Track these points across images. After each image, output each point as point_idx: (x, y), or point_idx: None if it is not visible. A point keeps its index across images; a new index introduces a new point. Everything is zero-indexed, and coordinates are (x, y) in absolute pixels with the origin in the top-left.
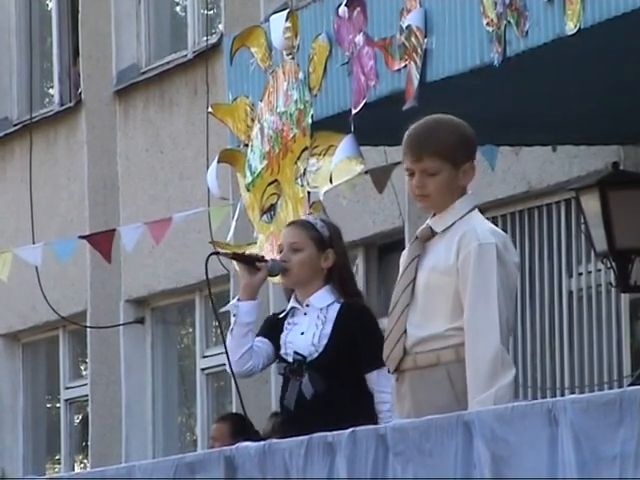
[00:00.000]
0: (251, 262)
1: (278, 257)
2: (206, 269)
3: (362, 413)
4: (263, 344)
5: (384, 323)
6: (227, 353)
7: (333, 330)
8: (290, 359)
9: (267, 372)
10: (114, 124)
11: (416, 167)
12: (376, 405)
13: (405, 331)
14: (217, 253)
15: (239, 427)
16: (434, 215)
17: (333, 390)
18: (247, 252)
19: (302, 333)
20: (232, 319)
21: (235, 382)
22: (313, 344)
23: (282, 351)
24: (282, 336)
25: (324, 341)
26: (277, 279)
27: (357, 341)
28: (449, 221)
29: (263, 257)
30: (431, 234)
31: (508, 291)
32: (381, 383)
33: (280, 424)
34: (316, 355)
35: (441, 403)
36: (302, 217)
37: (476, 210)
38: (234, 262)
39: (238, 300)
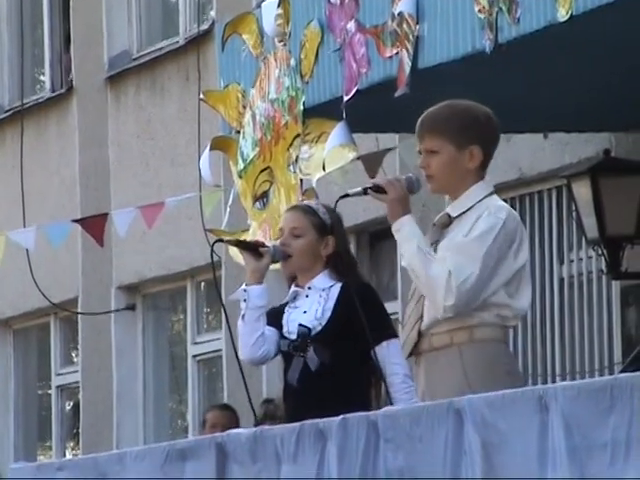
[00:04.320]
0: (254, 248)
1: (277, 242)
2: (212, 256)
3: (365, 389)
4: (271, 332)
5: None
6: (238, 340)
7: (336, 305)
8: (293, 337)
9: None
10: (105, 110)
11: (421, 147)
12: (388, 378)
13: (422, 316)
14: (221, 240)
15: (234, 417)
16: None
17: (338, 362)
18: (248, 239)
19: (305, 312)
20: (242, 305)
21: (241, 369)
22: (316, 318)
23: (284, 330)
24: (284, 317)
25: (327, 314)
26: (277, 266)
27: (363, 315)
28: (465, 206)
29: (264, 243)
30: (449, 221)
31: (495, 264)
32: (391, 355)
33: (289, 404)
34: (320, 329)
35: (452, 383)
36: (304, 202)
37: (494, 195)
38: (231, 247)
39: (246, 285)
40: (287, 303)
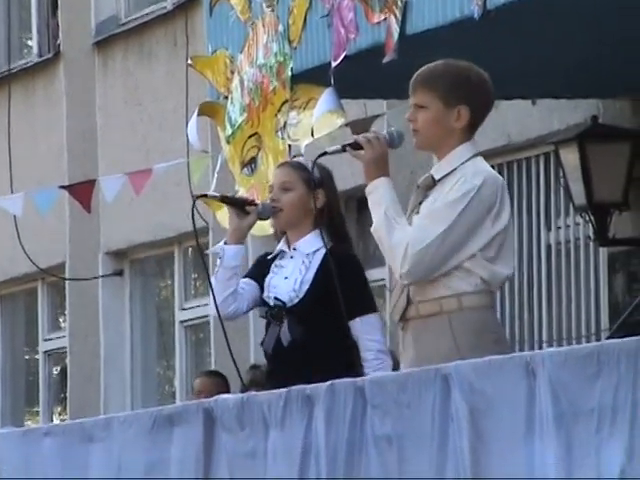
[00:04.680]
0: (240, 205)
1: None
2: (192, 214)
3: (340, 363)
4: (249, 286)
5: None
6: (213, 296)
7: (315, 276)
8: (272, 303)
9: (247, 325)
10: (93, 76)
11: (411, 100)
12: (361, 353)
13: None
14: (205, 196)
15: (224, 384)
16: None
17: (311, 338)
18: (237, 195)
19: (286, 278)
20: (217, 262)
21: (225, 336)
22: (294, 289)
23: (265, 294)
24: (267, 278)
25: (305, 287)
26: (262, 230)
27: (341, 289)
28: (449, 168)
29: (253, 200)
30: (432, 183)
31: (468, 231)
32: (365, 330)
33: (267, 367)
34: (296, 301)
35: (442, 352)
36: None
37: (479, 157)
38: (218, 213)
39: (225, 243)
40: (276, 257)
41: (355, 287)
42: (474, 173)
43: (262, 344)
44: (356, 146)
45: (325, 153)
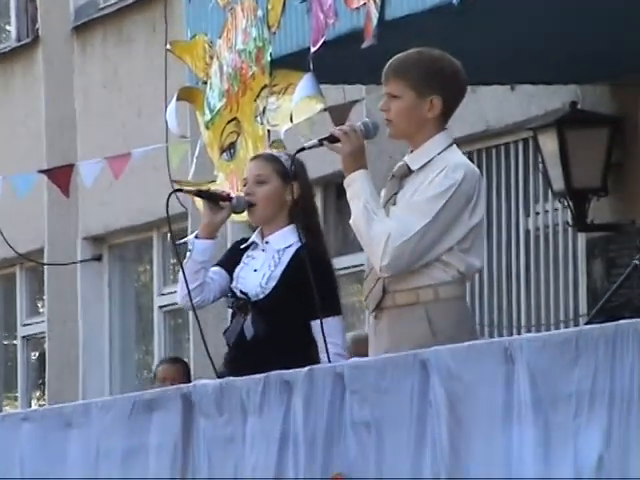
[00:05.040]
0: (215, 200)
1: (242, 193)
2: (167, 206)
3: (301, 360)
4: (218, 276)
5: (342, 262)
6: (186, 284)
7: (283, 273)
8: (238, 294)
9: (227, 311)
10: (71, 60)
11: (385, 89)
12: (319, 354)
13: None
14: (180, 190)
15: (186, 370)
16: (411, 152)
17: (274, 334)
18: (212, 189)
19: (255, 270)
20: (188, 253)
21: (197, 318)
22: (261, 285)
23: (233, 284)
24: (237, 269)
25: (272, 283)
26: (242, 216)
27: (306, 287)
28: (425, 158)
29: (229, 195)
30: (408, 172)
31: (448, 224)
32: (326, 332)
33: (227, 355)
34: (262, 296)
35: (418, 340)
36: (266, 151)
37: (454, 146)
38: (197, 199)
39: (196, 237)
40: (248, 247)
41: (323, 288)
42: (455, 167)
43: (225, 333)
44: (333, 139)
45: (303, 149)
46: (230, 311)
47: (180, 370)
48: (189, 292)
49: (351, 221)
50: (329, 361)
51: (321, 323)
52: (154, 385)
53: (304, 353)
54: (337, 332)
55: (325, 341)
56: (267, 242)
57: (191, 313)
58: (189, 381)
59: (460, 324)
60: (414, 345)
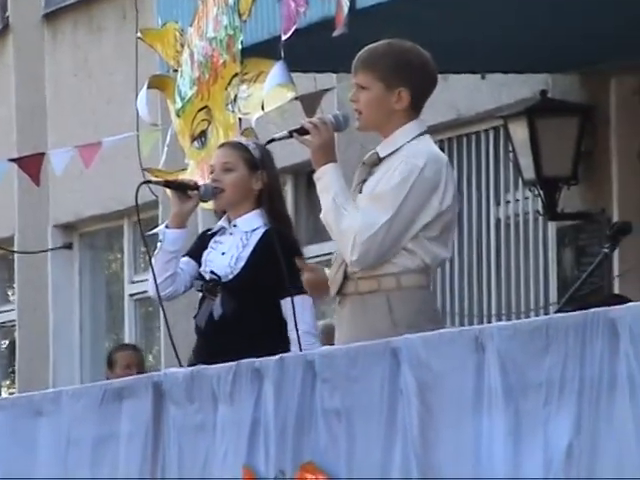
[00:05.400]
0: (183, 189)
1: (209, 181)
2: (136, 198)
3: (271, 340)
4: (187, 266)
5: (313, 250)
6: (154, 276)
7: (252, 254)
8: (208, 277)
9: (195, 298)
10: (42, 48)
11: (354, 81)
12: (289, 333)
13: None
14: (149, 182)
15: (142, 357)
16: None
17: (243, 314)
18: (180, 178)
19: (223, 253)
20: (159, 244)
21: (164, 311)
22: (230, 265)
23: (202, 268)
24: (204, 253)
25: (241, 263)
26: (209, 204)
27: (275, 267)
28: (394, 146)
29: (196, 184)
30: (377, 160)
31: (414, 212)
32: (295, 311)
33: (197, 342)
34: (231, 277)
35: (379, 330)
36: (234, 139)
37: (426, 136)
38: (166, 189)
39: (166, 227)
40: (215, 233)
41: (291, 268)
42: (415, 153)
43: (195, 317)
44: (303, 131)
45: (273, 140)
46: (200, 296)
47: (140, 357)
48: (157, 286)
49: (321, 215)
50: (298, 339)
51: (292, 301)
52: (112, 372)
53: (273, 333)
54: (305, 310)
55: (295, 319)
56: (235, 225)
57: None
58: (144, 369)
59: (422, 313)
60: (374, 334)
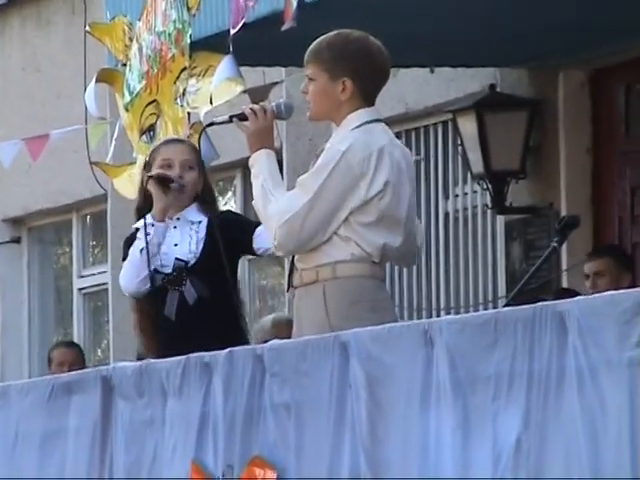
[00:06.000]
0: (166, 183)
1: (168, 173)
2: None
3: (235, 318)
4: None
5: None
6: (136, 269)
7: (207, 236)
8: (167, 270)
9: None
10: None
11: (305, 72)
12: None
13: None
14: (151, 177)
15: (82, 355)
16: None
17: (219, 294)
18: (160, 172)
19: (176, 244)
20: (146, 238)
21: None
22: (191, 251)
23: (157, 263)
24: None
25: (201, 246)
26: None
27: (233, 230)
28: (338, 135)
29: (171, 177)
30: (323, 149)
31: (338, 197)
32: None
33: (163, 337)
34: (195, 261)
35: (316, 321)
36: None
37: (375, 124)
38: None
39: (155, 221)
40: (137, 231)
41: (242, 218)
42: (342, 139)
43: (160, 314)
44: (243, 117)
45: (212, 123)
46: (157, 293)
47: (76, 354)
48: (152, 279)
49: (253, 202)
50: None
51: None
52: (49, 370)
53: (235, 310)
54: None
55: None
56: (178, 218)
57: (111, 295)
58: (84, 366)
59: (357, 302)
60: (314, 326)
